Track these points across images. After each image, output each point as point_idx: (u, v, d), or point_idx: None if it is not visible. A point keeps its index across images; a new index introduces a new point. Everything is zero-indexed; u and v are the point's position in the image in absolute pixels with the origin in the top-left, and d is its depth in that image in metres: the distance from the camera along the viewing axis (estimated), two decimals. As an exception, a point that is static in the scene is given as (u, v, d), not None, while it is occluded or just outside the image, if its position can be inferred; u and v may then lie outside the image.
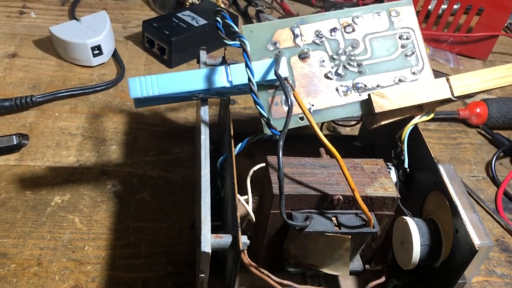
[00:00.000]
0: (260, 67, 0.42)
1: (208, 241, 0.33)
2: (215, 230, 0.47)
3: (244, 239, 0.34)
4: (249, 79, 0.39)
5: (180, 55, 0.70)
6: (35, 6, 0.80)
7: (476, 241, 0.36)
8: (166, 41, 0.69)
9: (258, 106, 0.39)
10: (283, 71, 0.42)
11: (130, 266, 0.46)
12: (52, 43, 0.70)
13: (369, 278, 0.45)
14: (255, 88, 0.39)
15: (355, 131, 0.62)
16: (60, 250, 0.46)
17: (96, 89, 0.65)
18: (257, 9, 0.84)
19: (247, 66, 0.39)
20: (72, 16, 0.77)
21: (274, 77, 0.41)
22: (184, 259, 0.47)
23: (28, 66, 0.68)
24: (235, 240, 0.34)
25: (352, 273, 0.44)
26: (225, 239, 0.34)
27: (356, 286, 0.46)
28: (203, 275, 0.34)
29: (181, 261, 0.47)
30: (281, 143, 0.37)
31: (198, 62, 0.49)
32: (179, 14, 0.73)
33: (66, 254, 0.46)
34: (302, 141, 0.48)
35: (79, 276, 0.44)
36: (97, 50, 0.67)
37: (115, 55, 0.71)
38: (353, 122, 0.56)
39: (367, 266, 0.46)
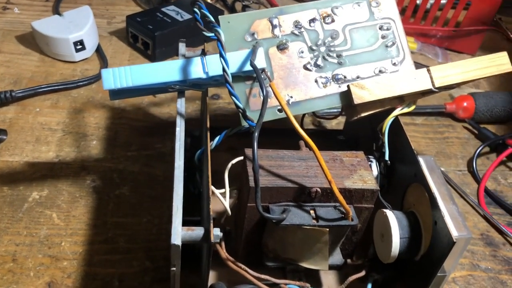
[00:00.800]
0: (236, 58, 0.41)
1: (179, 233, 0.32)
2: (194, 225, 0.47)
3: (216, 232, 0.34)
4: (224, 70, 0.38)
5: (164, 50, 0.69)
6: (19, 2, 0.79)
7: (454, 233, 0.36)
8: (150, 35, 0.68)
9: (233, 97, 0.38)
10: (260, 62, 0.41)
11: (108, 261, 0.45)
12: (35, 38, 0.69)
13: (349, 272, 0.44)
14: (229, 79, 0.38)
15: (340, 125, 0.62)
16: (36, 246, 0.45)
17: (79, 84, 0.64)
18: (244, 3, 0.84)
19: (221, 56, 0.38)
20: (56, 11, 0.76)
21: (252, 68, 0.40)
22: (162, 254, 0.46)
23: (10, 62, 0.67)
24: (207, 233, 0.33)
25: (332, 267, 0.44)
26: (197, 232, 0.33)
27: (337, 281, 0.46)
28: (174, 269, 0.33)
29: (159, 256, 0.46)
30: (256, 134, 0.36)
31: (177, 54, 0.48)
32: (163, 9, 0.72)
33: (42, 250, 0.45)
34: (286, 135, 0.47)
35: (55, 272, 0.44)
36: (79, 45, 0.66)
37: (98, 50, 0.70)
38: (333, 115, 0.55)
39: (348, 261, 0.46)
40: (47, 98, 0.62)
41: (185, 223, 0.46)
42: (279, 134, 0.50)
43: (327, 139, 0.58)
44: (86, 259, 0.45)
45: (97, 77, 0.65)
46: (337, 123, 0.63)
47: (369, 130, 0.50)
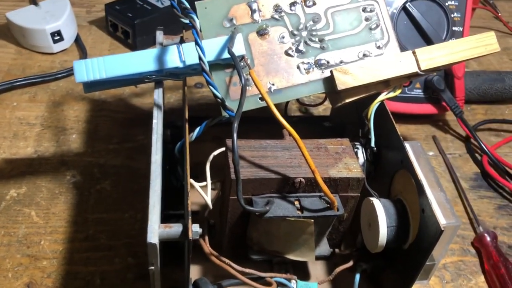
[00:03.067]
0: (214, 45, 0.39)
1: (155, 231, 0.31)
2: (177, 219, 0.45)
3: (195, 228, 0.32)
4: (200, 58, 0.36)
5: (145, 38, 0.67)
6: (-5, -8, 0.77)
7: (442, 220, 0.35)
8: (129, 24, 0.66)
9: (210, 87, 0.37)
10: (239, 49, 0.40)
11: (89, 259, 0.44)
12: (10, 30, 0.67)
13: (338, 262, 0.44)
14: (206, 67, 0.36)
15: (327, 111, 0.60)
16: (14, 246, 0.44)
17: (57, 76, 0.62)
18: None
19: (197, 44, 0.36)
20: (32, 1, 0.74)
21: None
22: (145, 250, 0.45)
23: (-15, 55, 0.65)
24: (186, 229, 0.32)
25: (319, 258, 0.43)
26: (175, 229, 0.32)
27: (325, 271, 0.45)
28: (153, 268, 0.32)
29: (142, 252, 0.45)
30: (235, 125, 0.35)
31: (152, 44, 0.46)
32: (143, -4, 0.70)
33: (20, 249, 0.44)
34: (272, 123, 0.45)
35: (34, 272, 0.42)
36: (57, 35, 0.64)
37: (77, 41, 0.68)
38: (319, 102, 0.54)
39: (336, 250, 0.45)
40: (25, 92, 0.60)
41: (168, 217, 0.45)
42: (265, 121, 0.48)
43: (313, 126, 0.57)
44: (66, 257, 0.44)
45: (76, 69, 0.63)
46: (324, 109, 0.62)
47: (356, 116, 0.49)
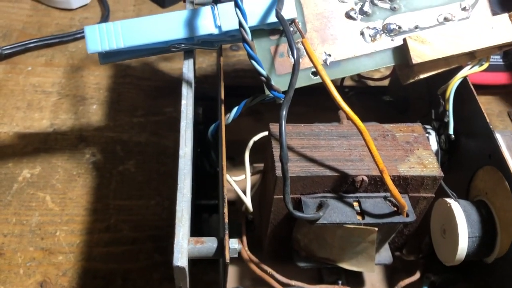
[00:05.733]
0: (258, 6, 0.31)
1: (184, 250, 0.24)
2: (209, 211, 0.39)
3: (233, 245, 0.26)
4: (240, 24, 0.28)
5: (175, -8, 0.59)
6: None
7: (550, 242, 0.27)
8: (157, -25, 0.58)
9: (253, 62, 0.29)
10: (289, 11, 0.31)
11: (110, 255, 0.38)
12: (25, -18, 0.60)
13: (398, 267, 0.37)
14: (248, 36, 0.29)
15: (385, 81, 0.52)
16: (26, 237, 0.39)
17: (76, 36, 0.55)
18: None
19: (237, 5, 0.28)
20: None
21: (277, 20, 0.31)
22: (172, 249, 0.39)
23: (-2, 11, 0.58)
24: (221, 246, 0.25)
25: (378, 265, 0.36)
26: (208, 245, 0.26)
27: (383, 278, 0.38)
28: (181, 290, 0.26)
29: (171, 247, 0.39)
30: (284, 113, 0.27)
31: (184, 0, 0.38)
32: None
33: (33, 241, 0.39)
34: (318, 95, 0.38)
35: (48, 269, 0.37)
36: (76, -11, 0.57)
37: (99, -5, 0.60)
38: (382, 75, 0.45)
39: (397, 253, 0.38)
40: (41, 54, 0.53)
41: (199, 208, 0.39)
42: (311, 93, 0.40)
43: (370, 100, 0.49)
44: (84, 252, 0.38)
45: (98, 27, 0.56)
46: (380, 75, 0.53)
47: (424, 90, 0.41)
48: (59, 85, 0.50)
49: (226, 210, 0.26)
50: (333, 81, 0.31)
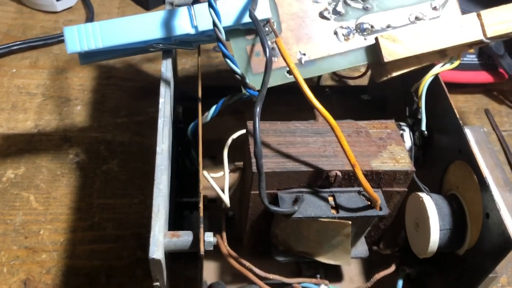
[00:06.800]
0: (233, 6, 0.32)
1: (160, 243, 0.25)
2: (190, 208, 0.40)
3: (208, 238, 0.27)
4: (214, 24, 0.29)
5: (158, -6, 0.60)
6: None
7: (514, 231, 0.28)
8: (141, -22, 0.58)
9: (227, 60, 0.30)
10: (263, 11, 0.32)
11: (93, 252, 0.39)
12: (10, -15, 0.60)
13: (375, 260, 0.38)
14: (222, 36, 0.29)
15: (364, 80, 0.53)
16: (10, 236, 0.39)
17: (61, 38, 0.55)
18: None
19: (210, 5, 0.29)
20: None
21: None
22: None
23: (-18, 14, 0.59)
24: (197, 240, 0.26)
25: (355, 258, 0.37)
26: (183, 239, 0.26)
27: (361, 272, 0.39)
28: (158, 284, 0.27)
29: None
30: (257, 110, 0.28)
31: (163, 2, 0.39)
32: None
33: (17, 240, 0.39)
34: (299, 94, 0.38)
35: (31, 267, 0.38)
36: (61, -8, 0.58)
37: (83, -3, 0.61)
38: (357, 74, 0.46)
39: (374, 247, 0.39)
40: (25, 57, 0.54)
41: (179, 206, 0.40)
42: (293, 92, 0.41)
43: (348, 99, 0.50)
44: (68, 250, 0.39)
45: (82, 30, 0.56)
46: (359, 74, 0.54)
47: (400, 88, 0.42)
48: (44, 86, 0.51)
49: (201, 204, 0.27)
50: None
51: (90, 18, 0.58)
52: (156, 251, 0.25)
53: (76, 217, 0.41)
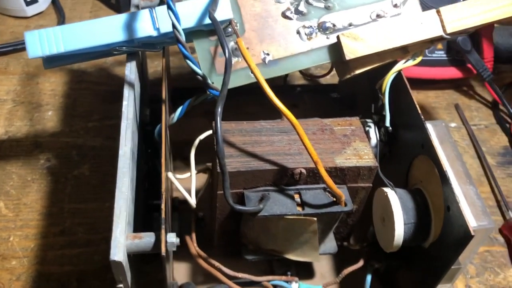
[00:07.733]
0: (195, 8, 0.32)
1: (121, 245, 0.25)
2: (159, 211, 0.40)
3: (170, 239, 0.27)
4: (173, 25, 0.29)
5: (130, -3, 0.59)
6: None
7: (472, 223, 0.29)
8: (111, -19, 0.58)
9: (188, 61, 0.30)
10: (224, 12, 0.33)
11: (64, 257, 0.39)
12: (-21, -9, 0.60)
13: (345, 257, 0.38)
14: (182, 37, 0.30)
15: (335, 78, 0.53)
16: (-21, 244, 0.39)
17: (32, 44, 0.55)
18: None
19: (169, 7, 0.29)
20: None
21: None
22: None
23: (-48, 21, 0.58)
24: (159, 241, 0.26)
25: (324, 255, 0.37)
26: (145, 240, 0.26)
27: (331, 268, 0.39)
28: (121, 285, 0.27)
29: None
30: (218, 110, 0.29)
31: (129, 5, 0.39)
32: (127, -51, 0.62)
33: (-14, 248, 0.39)
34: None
35: (1, 274, 0.38)
36: (30, -3, 0.57)
37: (54, 2, 0.61)
38: (324, 72, 0.47)
39: (344, 243, 0.39)
40: (-5, 63, 0.54)
41: (149, 208, 0.39)
42: (257, 92, 0.42)
43: (319, 97, 0.50)
44: (38, 256, 0.39)
45: (53, 35, 0.56)
46: (333, 75, 0.54)
47: (368, 86, 0.42)
48: (14, 92, 0.51)
49: (163, 206, 0.27)
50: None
51: (61, 22, 0.58)
52: (117, 253, 0.25)
53: (47, 222, 0.41)
